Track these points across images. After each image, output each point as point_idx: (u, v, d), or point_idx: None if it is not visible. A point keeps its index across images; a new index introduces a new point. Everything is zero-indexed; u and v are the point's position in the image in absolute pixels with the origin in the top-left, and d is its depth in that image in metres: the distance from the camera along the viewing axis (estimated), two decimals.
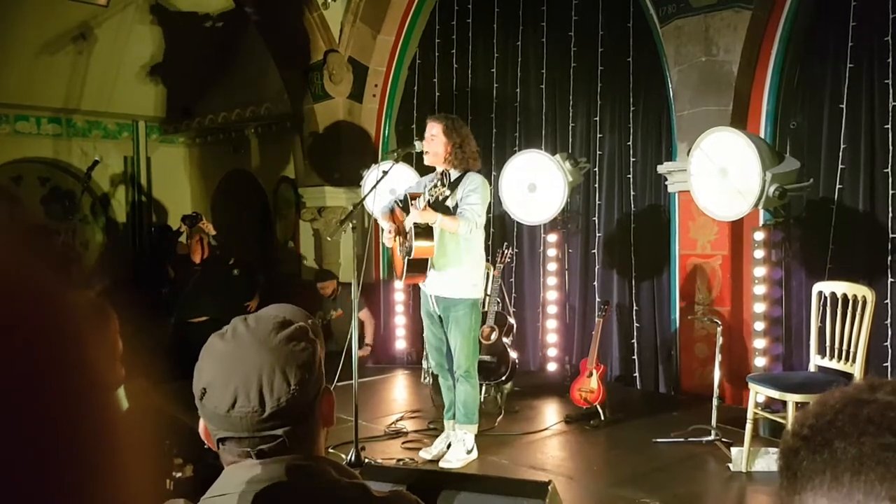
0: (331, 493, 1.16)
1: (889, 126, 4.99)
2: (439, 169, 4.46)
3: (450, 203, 4.29)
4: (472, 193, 4.29)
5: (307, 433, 1.20)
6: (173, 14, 9.12)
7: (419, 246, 4.30)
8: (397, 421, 5.36)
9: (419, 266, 4.43)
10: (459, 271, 4.39)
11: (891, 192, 5.00)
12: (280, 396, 1.14)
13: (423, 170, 5.88)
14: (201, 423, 1.21)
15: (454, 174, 4.40)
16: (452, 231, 4.28)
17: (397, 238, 4.45)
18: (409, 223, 4.33)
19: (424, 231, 4.30)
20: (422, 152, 4.52)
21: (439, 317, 4.51)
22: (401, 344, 7.39)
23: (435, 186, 4.16)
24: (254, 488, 1.13)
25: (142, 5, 9.08)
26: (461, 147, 4.38)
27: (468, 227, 4.26)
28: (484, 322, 5.40)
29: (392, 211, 4.57)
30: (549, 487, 2.48)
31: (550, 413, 5.59)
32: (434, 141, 4.40)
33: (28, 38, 8.39)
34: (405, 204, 4.44)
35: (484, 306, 5.44)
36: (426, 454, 4.60)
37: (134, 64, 9.45)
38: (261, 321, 1.20)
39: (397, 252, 4.54)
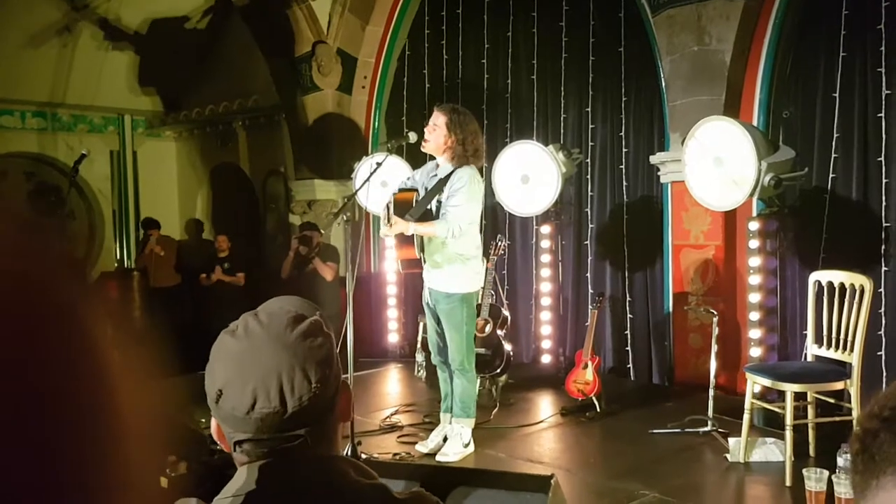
0: (351, 494, 1.12)
1: (882, 115, 4.97)
2: (437, 159, 4.43)
3: (433, 204, 4.25)
4: (457, 193, 4.19)
5: (327, 430, 1.17)
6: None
7: (400, 251, 4.42)
8: (392, 415, 5.32)
9: (413, 261, 4.45)
10: (449, 266, 4.34)
11: (884, 180, 4.99)
12: (302, 395, 1.10)
13: (414, 162, 5.85)
14: (213, 423, 1.17)
15: (447, 168, 4.35)
16: (430, 236, 4.26)
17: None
18: (382, 234, 4.42)
19: (403, 237, 4.34)
20: (416, 143, 4.47)
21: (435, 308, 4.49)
22: (393, 338, 7.36)
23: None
24: (271, 489, 1.09)
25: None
26: (462, 144, 4.28)
27: (446, 229, 4.18)
28: (478, 315, 5.38)
29: (388, 209, 4.53)
30: (552, 481, 2.45)
31: (546, 405, 5.57)
32: (436, 131, 4.33)
33: (12, 32, 8.28)
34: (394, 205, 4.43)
35: (478, 299, 5.42)
36: (423, 448, 4.56)
37: (118, 61, 9.36)
38: (273, 317, 1.15)
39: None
